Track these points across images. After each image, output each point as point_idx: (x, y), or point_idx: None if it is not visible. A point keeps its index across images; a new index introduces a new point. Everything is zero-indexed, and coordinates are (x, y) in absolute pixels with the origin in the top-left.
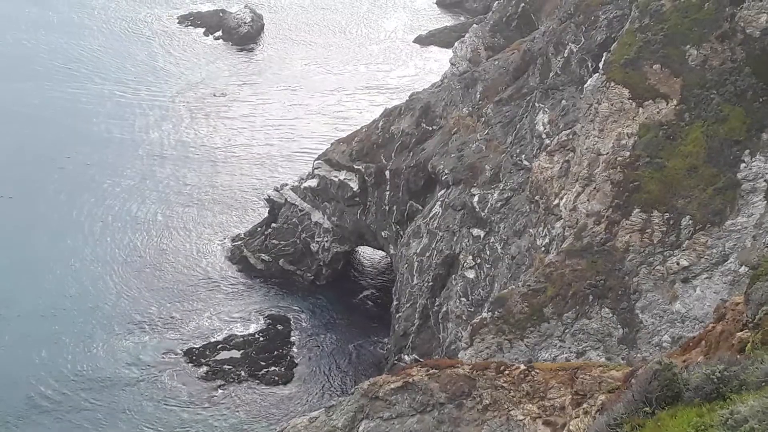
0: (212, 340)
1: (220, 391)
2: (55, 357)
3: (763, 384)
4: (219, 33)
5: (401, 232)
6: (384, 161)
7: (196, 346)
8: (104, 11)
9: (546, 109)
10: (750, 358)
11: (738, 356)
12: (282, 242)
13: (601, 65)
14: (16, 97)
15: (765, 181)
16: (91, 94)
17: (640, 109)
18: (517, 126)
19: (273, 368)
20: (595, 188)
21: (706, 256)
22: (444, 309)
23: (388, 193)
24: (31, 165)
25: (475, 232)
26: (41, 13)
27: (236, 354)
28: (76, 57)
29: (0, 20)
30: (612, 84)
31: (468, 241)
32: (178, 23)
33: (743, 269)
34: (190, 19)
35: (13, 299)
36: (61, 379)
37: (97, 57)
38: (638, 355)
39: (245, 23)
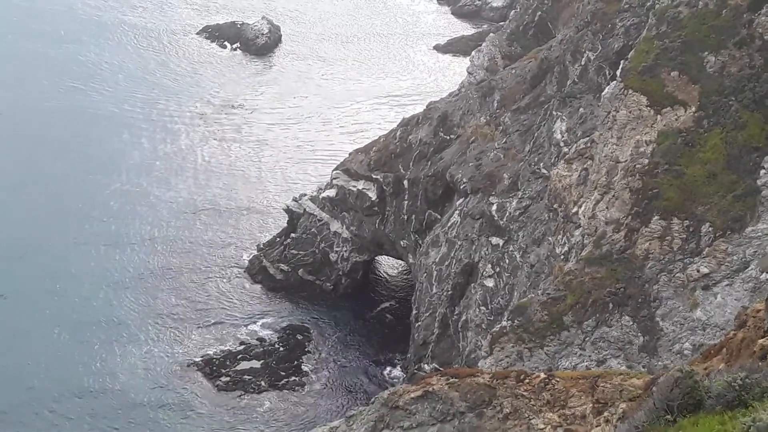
0: (231, 350)
1: (240, 401)
2: (73, 368)
3: None
4: (237, 44)
5: (420, 242)
6: (402, 171)
7: (215, 357)
8: (121, 25)
9: (564, 117)
10: None
11: (759, 363)
12: (301, 252)
13: (618, 73)
14: (34, 110)
15: None
16: (108, 106)
17: (659, 116)
18: (535, 134)
19: (293, 378)
20: (614, 196)
21: (726, 263)
22: (463, 318)
23: (406, 202)
24: (50, 172)
25: (494, 240)
26: (54, 28)
27: (256, 364)
28: (95, 70)
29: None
30: (630, 91)
31: (487, 249)
32: (197, 35)
33: (764, 276)
34: (209, 31)
35: (29, 310)
36: (79, 391)
37: (115, 70)
38: (659, 362)
39: (263, 34)
